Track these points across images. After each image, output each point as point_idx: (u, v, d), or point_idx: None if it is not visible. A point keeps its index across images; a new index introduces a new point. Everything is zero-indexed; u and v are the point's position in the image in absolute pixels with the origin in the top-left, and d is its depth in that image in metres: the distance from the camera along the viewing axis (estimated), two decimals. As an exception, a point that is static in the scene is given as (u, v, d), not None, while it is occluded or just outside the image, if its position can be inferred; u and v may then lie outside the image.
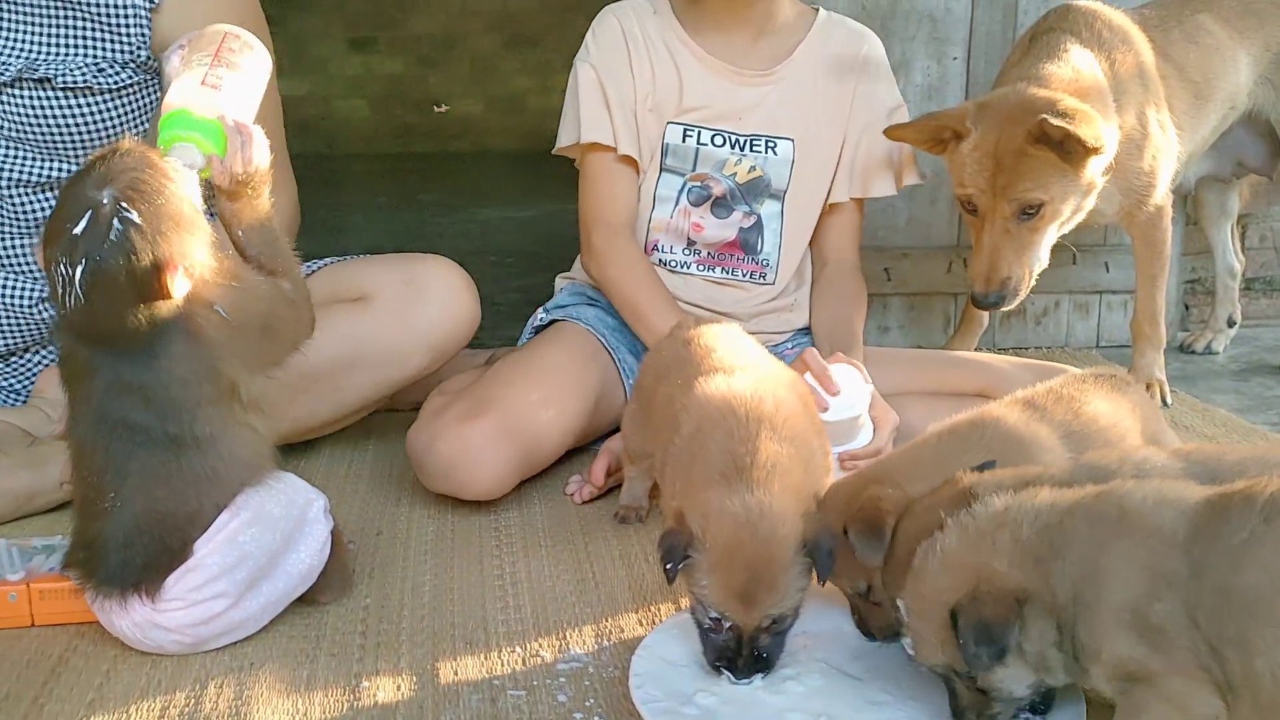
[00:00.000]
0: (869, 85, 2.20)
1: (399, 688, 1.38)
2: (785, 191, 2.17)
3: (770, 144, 2.15)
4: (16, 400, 2.07)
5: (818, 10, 2.23)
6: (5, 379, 2.06)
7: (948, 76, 2.81)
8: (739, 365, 1.54)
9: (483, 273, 2.31)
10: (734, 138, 2.14)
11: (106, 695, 1.37)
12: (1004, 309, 2.23)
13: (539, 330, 2.19)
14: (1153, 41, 2.41)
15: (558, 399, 1.97)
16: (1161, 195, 2.38)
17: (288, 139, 2.07)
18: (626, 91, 2.12)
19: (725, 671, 1.31)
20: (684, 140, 2.14)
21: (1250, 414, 2.48)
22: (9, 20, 1.88)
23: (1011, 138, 2.06)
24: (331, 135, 6.98)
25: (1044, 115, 1.99)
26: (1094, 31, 2.29)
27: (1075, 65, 2.20)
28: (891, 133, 2.19)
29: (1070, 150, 2.05)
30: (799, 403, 1.51)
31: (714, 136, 2.14)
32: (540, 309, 2.23)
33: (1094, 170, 2.11)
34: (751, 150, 2.15)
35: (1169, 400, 2.48)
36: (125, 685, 1.39)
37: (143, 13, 1.89)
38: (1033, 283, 2.19)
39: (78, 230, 1.33)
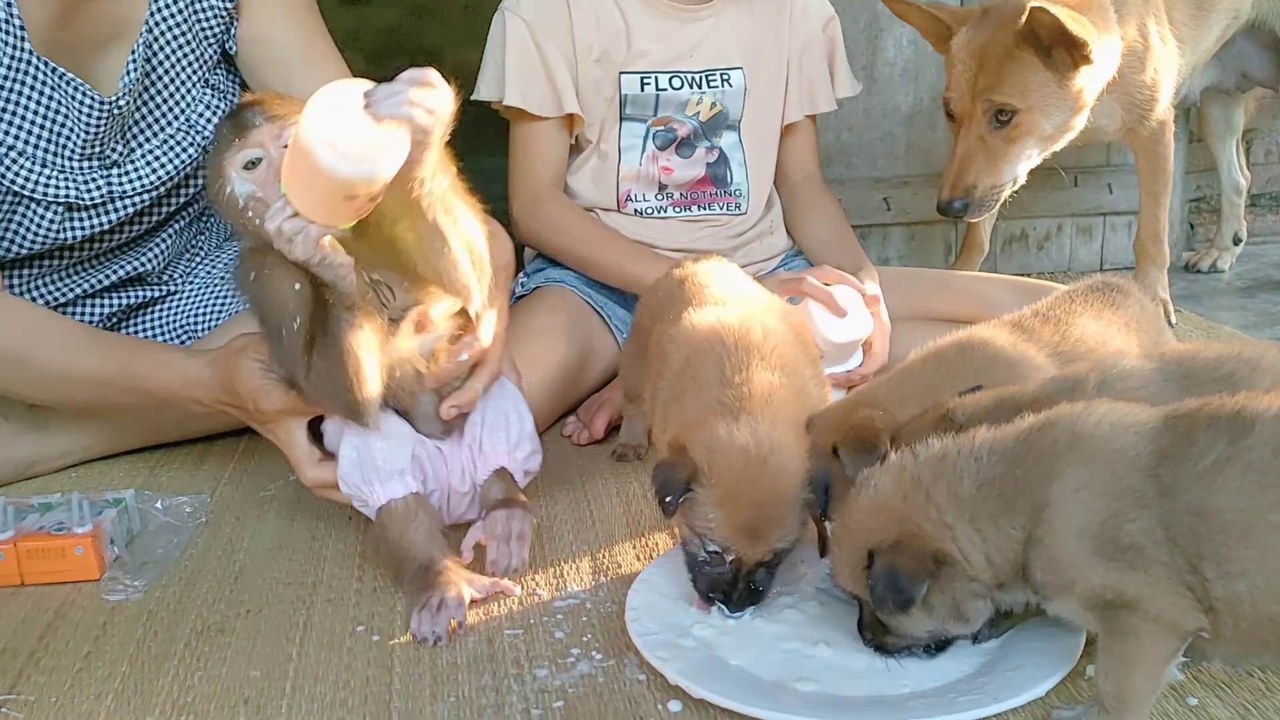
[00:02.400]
0: (803, 4, 2.17)
1: (396, 631, 1.37)
2: (740, 120, 2.14)
3: (724, 76, 2.11)
4: None
5: None
6: None
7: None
8: (729, 298, 1.51)
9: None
10: (690, 76, 2.10)
11: (103, 648, 1.37)
12: (969, 219, 2.20)
13: (519, 300, 2.14)
14: (1153, -49, 2.34)
15: (538, 365, 1.90)
16: (1164, 109, 2.33)
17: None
18: (565, 47, 2.05)
19: (718, 605, 1.30)
20: (642, 89, 2.09)
21: (1256, 330, 2.45)
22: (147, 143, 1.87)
23: (1000, 38, 2.02)
24: (328, 90, 7.01)
25: (1037, 5, 1.94)
26: None
27: None
28: (893, 5, 2.17)
29: (1058, 59, 2.00)
30: (790, 332, 1.48)
31: (671, 79, 2.09)
32: (521, 274, 2.19)
33: (1082, 83, 2.06)
34: (709, 86, 2.10)
35: (1173, 320, 2.44)
36: (121, 639, 1.38)
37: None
38: (1003, 197, 2.15)
39: None
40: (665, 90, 2.09)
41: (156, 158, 1.87)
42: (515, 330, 1.96)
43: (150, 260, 2.01)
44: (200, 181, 1.99)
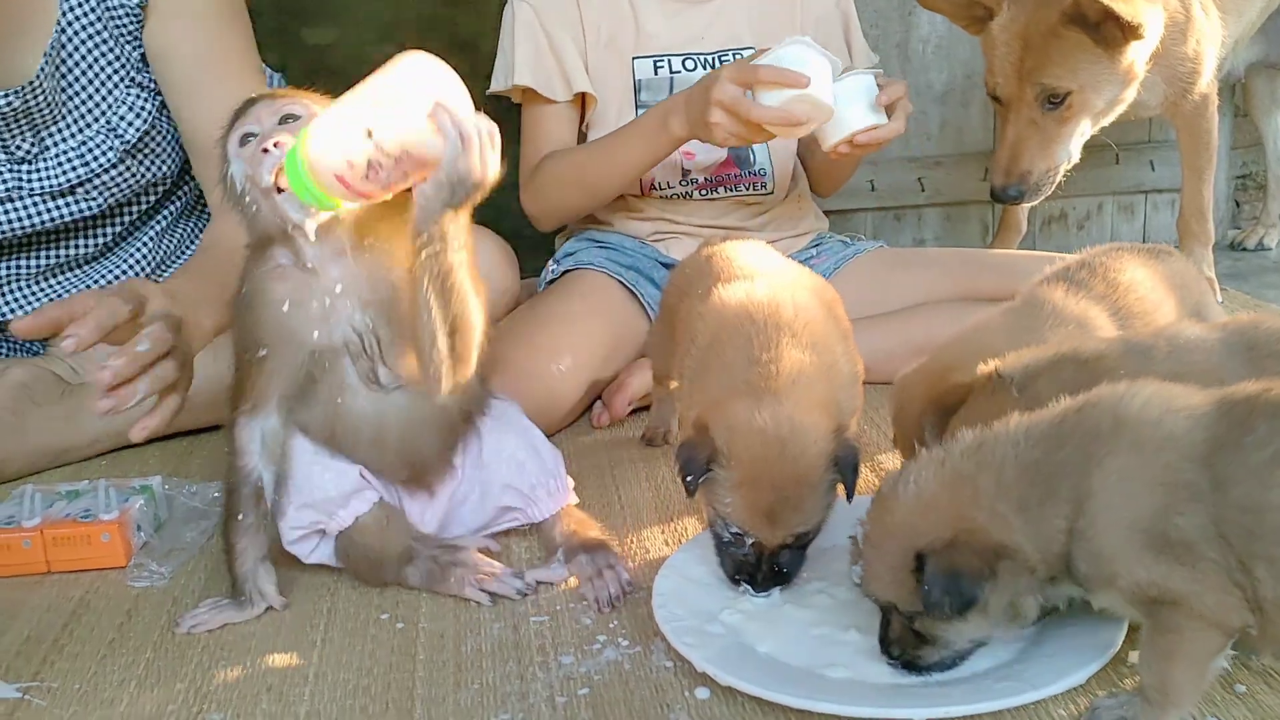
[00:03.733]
0: None
1: (421, 617, 1.35)
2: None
3: (738, 56, 2.06)
4: (27, 351, 2.05)
5: None
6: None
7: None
8: (758, 272, 1.48)
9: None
10: (703, 58, 2.06)
11: (127, 635, 1.36)
12: (1025, 204, 2.14)
13: (550, 285, 2.12)
14: (1192, -78, 2.27)
15: (571, 351, 1.88)
16: (1206, 83, 2.26)
17: (321, 88, 2.03)
18: (574, 31, 2.03)
19: (744, 585, 1.27)
20: (656, 73, 2.06)
21: (1305, 309, 2.38)
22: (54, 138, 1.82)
23: (1044, 18, 1.95)
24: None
25: None
26: None
27: None
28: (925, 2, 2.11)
29: (1107, 34, 1.94)
30: (822, 308, 1.44)
31: (684, 61, 2.06)
32: (551, 261, 2.16)
33: (1132, 57, 2.00)
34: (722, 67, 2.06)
35: (1219, 298, 2.37)
36: (145, 625, 1.38)
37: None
38: (1058, 179, 2.09)
39: None
40: (679, 73, 2.06)
41: (69, 156, 1.82)
42: (549, 316, 1.95)
43: (132, 267, 2.01)
44: (167, 183, 1.98)
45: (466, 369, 1.31)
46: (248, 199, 1.29)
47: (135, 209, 1.98)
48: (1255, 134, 2.83)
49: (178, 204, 2.06)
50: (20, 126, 1.77)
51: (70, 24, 1.76)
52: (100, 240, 1.98)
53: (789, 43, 1.74)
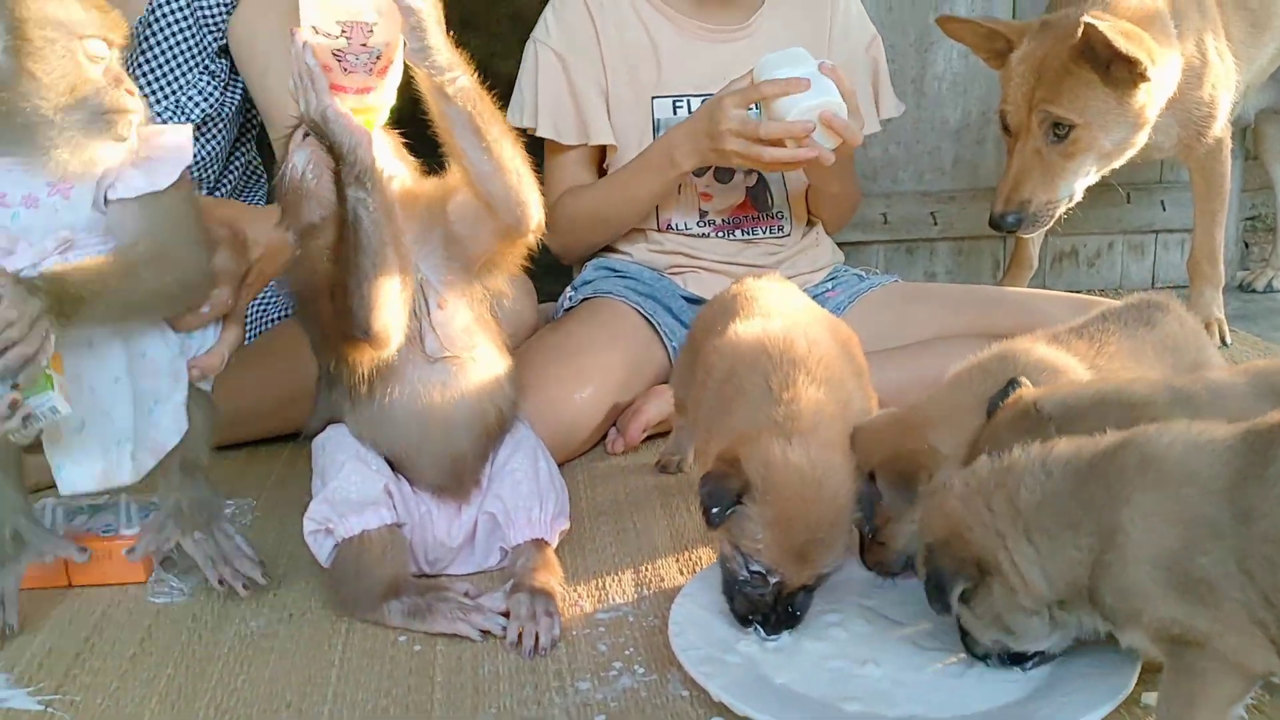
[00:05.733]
0: (842, 24, 2.15)
1: (437, 641, 1.37)
2: None
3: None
4: None
5: None
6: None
7: (993, 10, 2.72)
8: (776, 311, 1.50)
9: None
10: None
11: (148, 650, 1.37)
12: (1022, 235, 2.16)
13: (568, 313, 2.14)
14: (1209, -32, 2.31)
15: (590, 379, 1.90)
16: (1221, 127, 2.29)
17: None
18: (596, 74, 2.06)
19: (756, 628, 1.28)
20: (674, 113, 2.08)
21: (1314, 352, 2.40)
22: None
23: (1058, 53, 1.99)
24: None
25: (1089, 20, 1.91)
26: None
27: None
28: (946, 23, 2.16)
29: (1116, 74, 1.97)
30: (836, 345, 1.46)
31: (703, 101, 2.06)
32: (569, 288, 2.19)
33: (1143, 100, 2.02)
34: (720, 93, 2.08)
35: (1229, 340, 2.40)
36: (166, 641, 1.39)
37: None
38: (1058, 214, 2.12)
39: None
40: None
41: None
42: (567, 344, 1.96)
43: None
44: (219, 163, 2.04)
45: (537, 190, 1.38)
46: (310, 177, 1.37)
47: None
48: (1264, 177, 2.86)
49: (229, 184, 2.10)
50: None
51: (159, 9, 1.87)
52: None
53: (778, 53, 1.81)
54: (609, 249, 2.20)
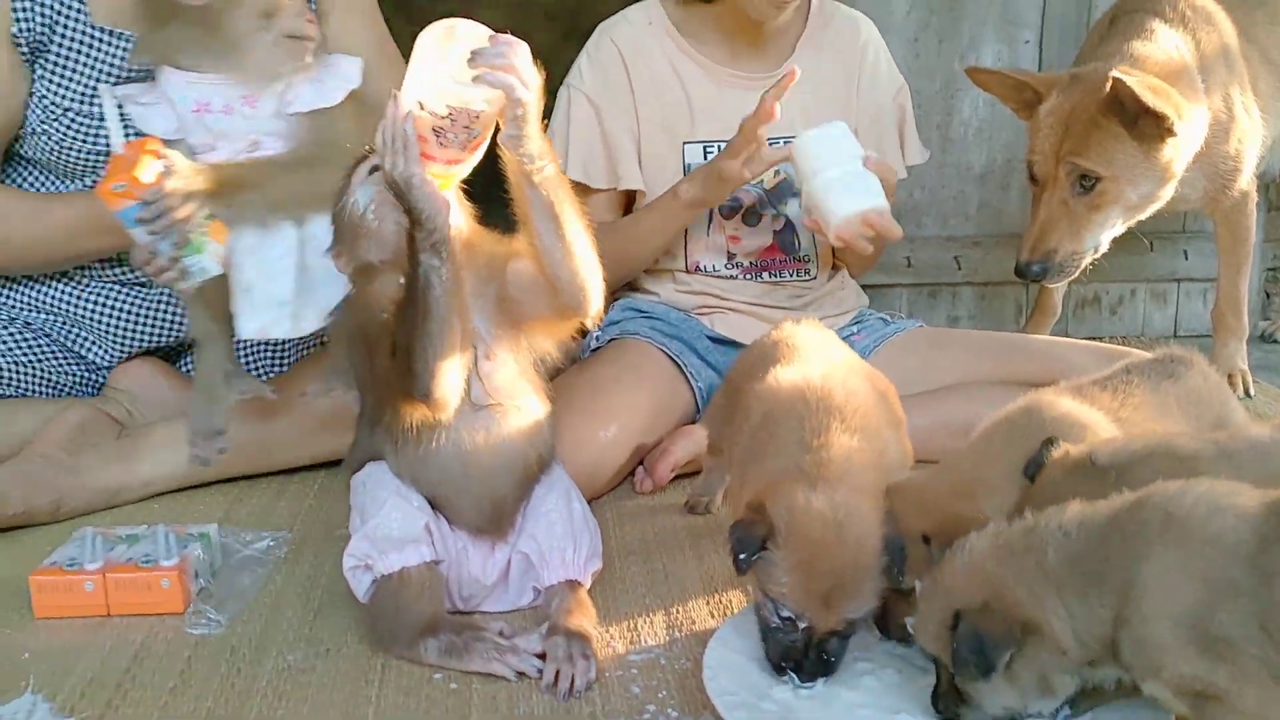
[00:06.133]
0: (871, 73, 2.18)
1: (473, 679, 1.38)
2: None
3: (787, 143, 2.11)
4: (85, 391, 2.10)
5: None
6: (81, 373, 2.09)
7: (1019, 60, 2.76)
8: (816, 359, 1.52)
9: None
10: None
11: (188, 682, 1.39)
12: (1047, 284, 2.18)
13: (594, 353, 2.16)
14: (1235, 23, 2.34)
15: (617, 418, 1.92)
16: (1247, 180, 2.32)
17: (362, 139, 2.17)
18: (629, 120, 2.09)
19: (790, 674, 1.29)
20: (705, 158, 2.10)
21: (1337, 405, 2.41)
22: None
23: (1086, 105, 2.02)
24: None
25: (1117, 75, 1.94)
26: (1178, 12, 2.23)
27: (1163, 45, 2.14)
28: (975, 74, 2.19)
29: (1144, 129, 2.00)
30: (873, 395, 1.48)
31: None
32: (595, 328, 2.21)
33: (1170, 155, 2.05)
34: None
35: (1252, 391, 2.41)
36: (205, 674, 1.41)
37: None
38: (1084, 265, 2.14)
39: None
40: None
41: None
42: (593, 383, 1.98)
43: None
44: None
45: (600, 280, 1.44)
46: (371, 217, 1.41)
47: None
48: (1286, 228, 2.88)
49: None
50: None
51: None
52: None
53: (820, 130, 1.85)
54: (636, 289, 2.22)
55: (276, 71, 1.68)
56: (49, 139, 1.90)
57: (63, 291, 2.03)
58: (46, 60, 1.87)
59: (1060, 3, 2.73)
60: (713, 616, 1.52)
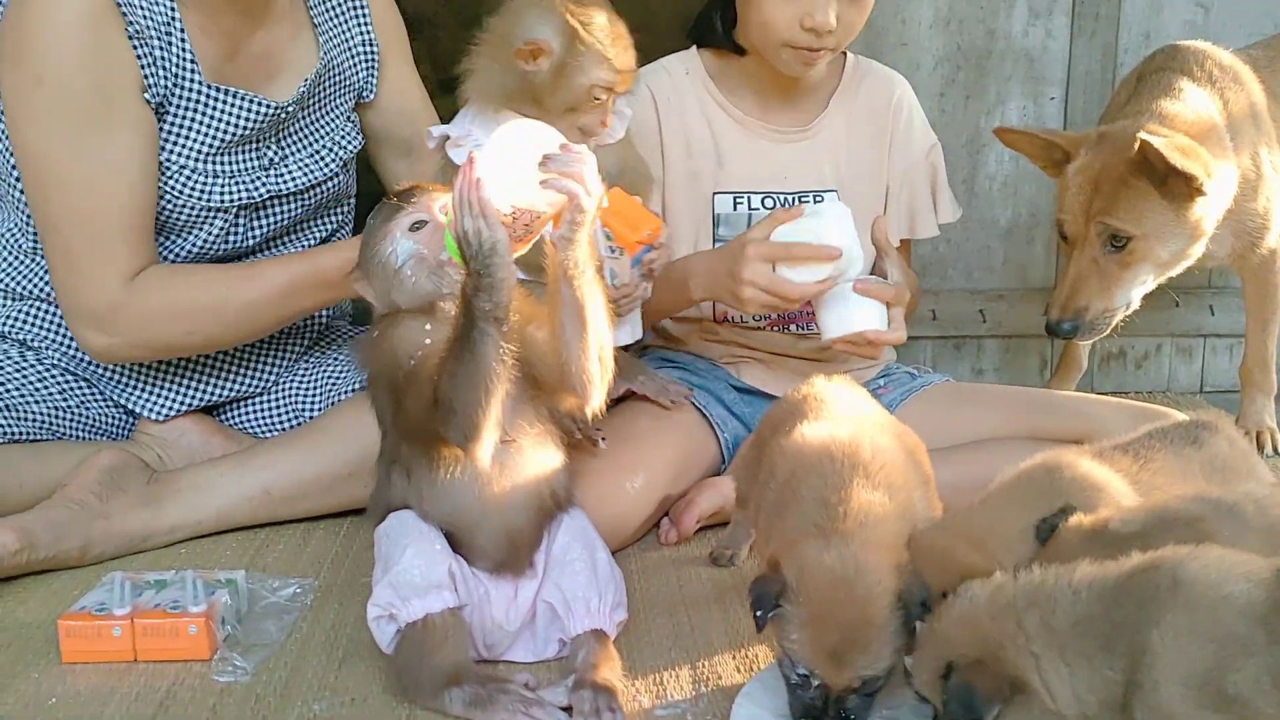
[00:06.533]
0: (904, 131, 2.19)
1: (497, 731, 1.38)
2: None
3: (817, 199, 2.12)
4: (117, 433, 2.12)
5: (845, 55, 2.20)
6: (113, 414, 2.11)
7: (1044, 116, 2.77)
8: (845, 415, 1.52)
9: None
10: (782, 198, 2.12)
11: (213, 730, 1.39)
12: (1079, 341, 2.18)
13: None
14: (1262, 82, 2.35)
15: (643, 469, 1.92)
16: (1275, 238, 2.32)
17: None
18: (653, 162, 2.10)
19: None
20: (735, 208, 2.12)
21: (1366, 464, 2.39)
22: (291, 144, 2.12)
23: (1115, 165, 2.03)
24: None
25: (1144, 136, 1.95)
26: (1205, 70, 2.24)
27: (1191, 104, 2.16)
28: (1003, 134, 2.21)
29: (1173, 188, 2.00)
30: (902, 452, 1.48)
31: (764, 199, 2.12)
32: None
33: (1200, 213, 2.05)
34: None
35: (1280, 449, 2.39)
36: (230, 720, 1.41)
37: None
38: (1115, 322, 2.14)
39: None
40: (757, 210, 2.11)
41: (306, 162, 2.10)
42: (619, 433, 1.98)
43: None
44: (351, 199, 2.27)
45: (610, 376, 1.48)
46: (408, 271, 1.45)
47: (331, 219, 2.24)
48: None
49: (346, 209, 2.30)
50: (273, 136, 2.07)
51: (328, 65, 2.10)
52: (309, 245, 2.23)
53: (824, 206, 1.86)
54: (664, 338, 2.23)
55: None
56: (161, 196, 1.95)
57: None
58: (167, 118, 1.92)
59: (1086, 60, 2.75)
60: (739, 672, 1.52)
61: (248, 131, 2.00)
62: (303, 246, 2.20)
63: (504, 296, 1.35)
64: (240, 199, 2.01)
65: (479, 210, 1.33)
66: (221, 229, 2.02)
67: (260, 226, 2.09)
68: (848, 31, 1.99)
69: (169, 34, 1.89)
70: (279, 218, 2.11)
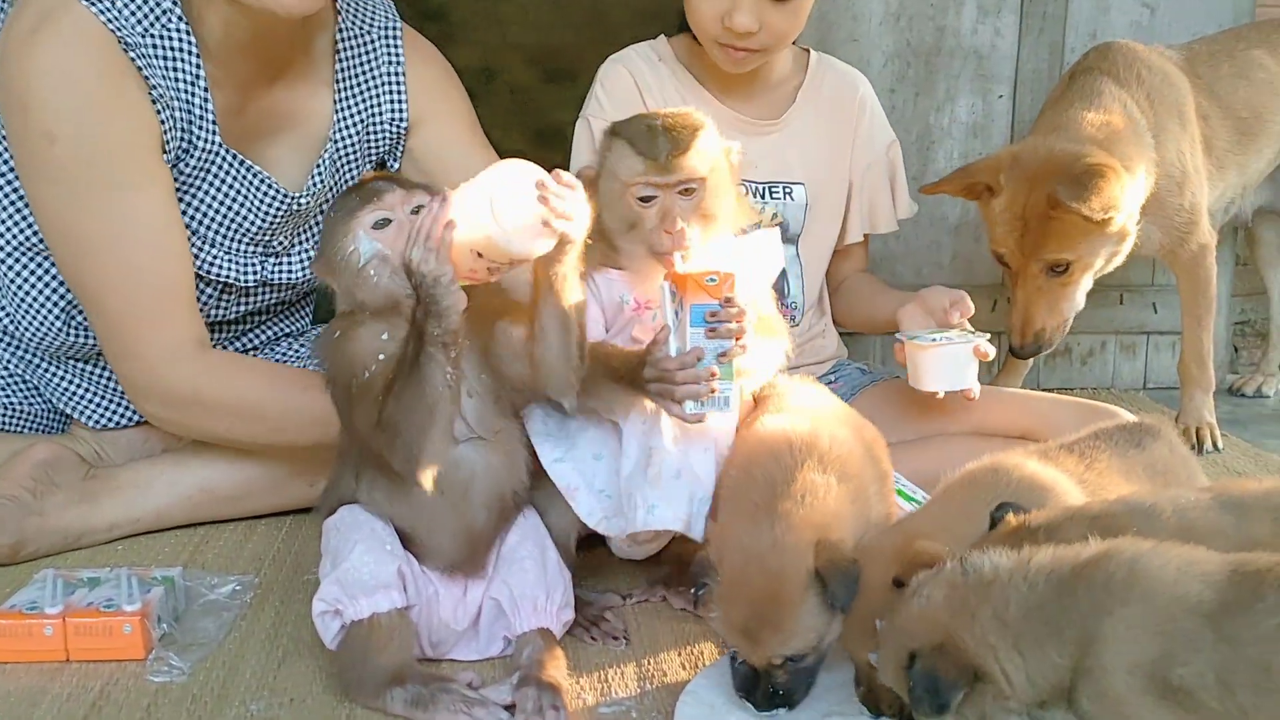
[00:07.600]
0: (866, 127, 2.22)
1: (439, 730, 1.36)
2: (799, 235, 2.17)
3: (787, 189, 2.14)
4: (52, 427, 2.07)
5: (808, 51, 2.22)
6: (48, 408, 2.06)
7: (993, 114, 2.80)
8: (803, 407, 1.53)
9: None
10: (754, 185, 2.13)
11: (146, 731, 1.36)
12: (1045, 353, 2.29)
13: None
14: (1200, 77, 2.41)
15: None
16: (1204, 232, 2.39)
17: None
18: None
19: (748, 703, 1.31)
20: None
21: (1304, 459, 2.43)
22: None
23: (1036, 201, 2.12)
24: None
25: (1055, 188, 2.06)
26: (1133, 71, 2.32)
27: (1108, 107, 2.24)
28: (928, 190, 2.29)
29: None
30: (860, 445, 1.49)
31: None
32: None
33: (1120, 222, 2.14)
34: (771, 196, 2.14)
35: (1219, 444, 2.43)
36: (166, 721, 1.38)
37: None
38: (1069, 327, 2.27)
39: None
40: None
41: (312, 254, 1.98)
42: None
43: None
44: None
45: (584, 370, 1.47)
46: (370, 271, 1.41)
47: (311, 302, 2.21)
48: (1255, 282, 2.92)
49: None
50: (288, 226, 1.98)
51: (343, 136, 1.99)
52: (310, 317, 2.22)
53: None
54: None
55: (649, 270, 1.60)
56: None
57: (59, 373, 2.00)
58: (178, 175, 1.82)
59: (1034, 58, 2.77)
60: (684, 669, 1.51)
61: (265, 224, 1.91)
62: (282, 327, 2.14)
63: (451, 323, 1.34)
64: (228, 277, 1.92)
65: (434, 244, 1.32)
66: (201, 298, 1.90)
67: (241, 304, 2.01)
68: (775, 36, 2.00)
69: (192, 89, 1.78)
70: (263, 299, 2.03)
